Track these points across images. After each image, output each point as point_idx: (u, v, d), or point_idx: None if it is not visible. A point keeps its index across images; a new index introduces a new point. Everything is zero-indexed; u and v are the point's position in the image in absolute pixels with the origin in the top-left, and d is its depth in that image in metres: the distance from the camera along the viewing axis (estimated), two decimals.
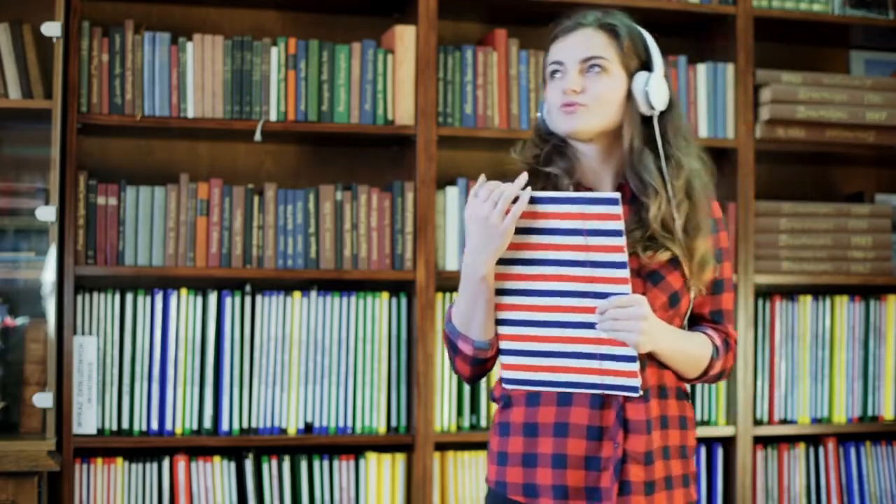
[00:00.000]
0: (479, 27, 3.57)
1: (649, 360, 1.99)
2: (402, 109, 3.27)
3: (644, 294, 1.96)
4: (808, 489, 3.55)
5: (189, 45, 3.17)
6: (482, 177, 1.95)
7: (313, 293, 3.24)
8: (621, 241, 1.87)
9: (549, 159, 2.06)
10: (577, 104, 1.99)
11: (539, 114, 2.12)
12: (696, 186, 2.03)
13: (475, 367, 2.04)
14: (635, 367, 1.93)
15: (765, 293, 3.54)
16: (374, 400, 3.25)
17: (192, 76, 3.16)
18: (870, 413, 3.60)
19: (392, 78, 3.27)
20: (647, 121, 2.03)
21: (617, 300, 1.89)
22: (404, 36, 3.27)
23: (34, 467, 2.84)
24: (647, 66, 2.04)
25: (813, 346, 3.56)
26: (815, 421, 3.55)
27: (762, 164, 3.61)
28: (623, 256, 1.88)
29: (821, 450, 3.57)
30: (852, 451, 3.59)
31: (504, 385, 2.03)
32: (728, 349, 2.10)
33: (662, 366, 2.01)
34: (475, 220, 1.91)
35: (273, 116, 3.21)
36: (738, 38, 3.48)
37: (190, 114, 3.17)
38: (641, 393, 1.94)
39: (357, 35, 3.42)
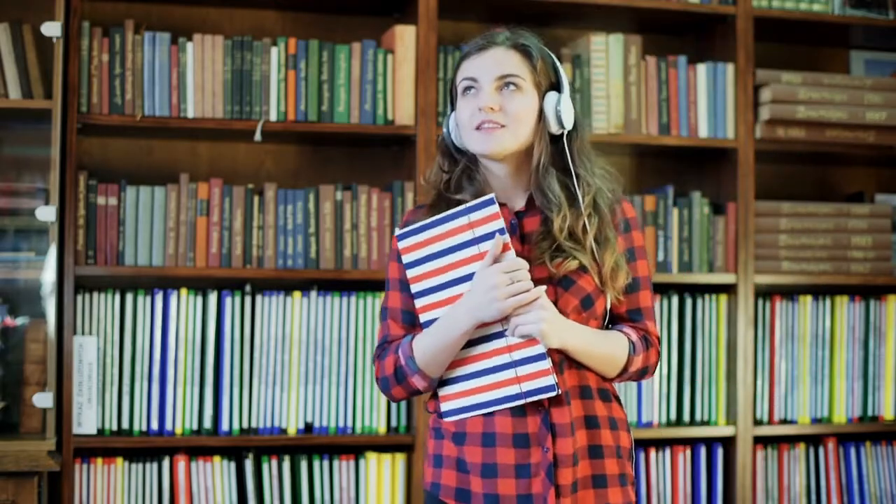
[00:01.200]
0: (479, 27, 3.56)
1: (567, 361, 2.02)
2: (402, 109, 3.27)
3: (556, 300, 2.00)
4: (808, 489, 3.55)
5: (189, 45, 3.17)
6: (510, 249, 1.95)
7: (313, 293, 3.24)
8: (506, 238, 1.94)
9: (458, 184, 2.09)
10: (495, 123, 2.01)
11: (444, 130, 2.12)
12: (600, 202, 2.07)
13: (412, 395, 2.11)
14: (546, 364, 1.95)
15: (765, 293, 3.54)
16: (374, 400, 3.25)
17: (192, 76, 3.16)
18: (870, 413, 3.60)
19: (392, 78, 3.27)
20: (553, 140, 2.06)
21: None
22: (404, 36, 3.27)
23: (34, 467, 2.85)
24: (555, 86, 2.08)
25: (813, 346, 3.56)
26: (815, 421, 3.55)
27: (762, 164, 3.61)
28: (511, 253, 1.94)
29: (821, 450, 3.57)
30: (852, 451, 3.59)
31: (445, 419, 2.06)
32: (648, 346, 2.11)
33: (581, 366, 2.03)
34: (484, 284, 1.93)
35: (273, 116, 3.21)
36: (738, 38, 3.48)
37: (190, 114, 3.17)
38: (559, 391, 1.96)
39: (357, 35, 3.42)
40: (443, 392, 2.07)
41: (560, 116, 2.02)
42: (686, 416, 3.46)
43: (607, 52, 3.41)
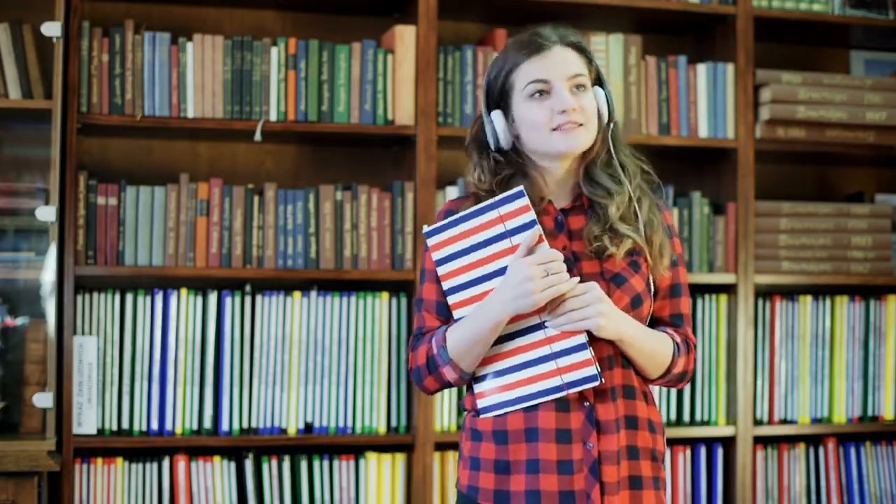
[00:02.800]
0: (479, 27, 3.57)
1: (616, 358, 2.02)
2: (402, 109, 3.27)
3: (608, 295, 2.01)
4: (808, 489, 3.55)
5: (189, 45, 3.17)
6: (544, 241, 1.96)
7: (313, 293, 3.24)
8: (538, 229, 1.95)
9: (510, 184, 2.08)
10: (575, 122, 2.03)
11: (490, 131, 2.09)
12: (644, 186, 2.13)
13: (444, 388, 2.09)
14: (588, 354, 1.95)
15: (765, 293, 3.54)
16: (374, 400, 3.25)
17: (192, 76, 3.16)
18: (870, 413, 3.60)
19: (392, 78, 3.27)
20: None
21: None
22: (404, 36, 3.27)
23: (34, 467, 2.84)
24: (597, 79, 2.12)
25: (813, 346, 3.56)
26: (815, 421, 3.55)
27: (762, 164, 3.61)
28: (545, 244, 1.95)
29: (821, 450, 3.57)
30: (852, 451, 3.59)
31: (482, 415, 2.05)
32: (689, 350, 2.13)
33: (627, 365, 2.04)
34: (519, 276, 1.93)
35: (273, 116, 3.21)
36: (738, 38, 3.48)
37: (190, 114, 3.17)
38: (602, 381, 1.96)
39: (357, 35, 3.42)
40: (479, 388, 2.05)
41: (611, 109, 2.08)
42: (686, 416, 3.46)
43: (607, 52, 3.41)
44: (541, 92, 2.04)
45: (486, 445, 2.04)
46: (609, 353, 2.02)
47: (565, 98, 2.02)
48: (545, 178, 2.09)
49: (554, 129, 2.02)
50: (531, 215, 1.95)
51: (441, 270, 2.03)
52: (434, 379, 2.06)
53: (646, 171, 2.14)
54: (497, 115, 2.08)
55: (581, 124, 2.03)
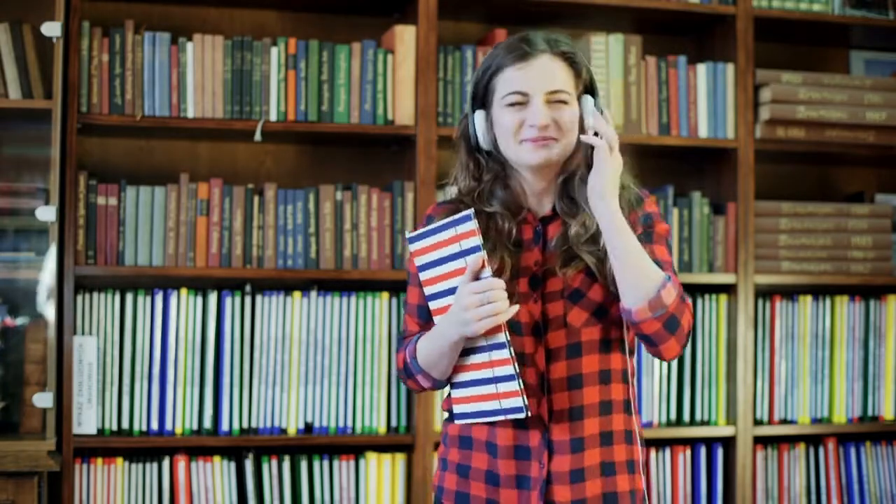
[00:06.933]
0: (479, 27, 3.57)
1: (595, 376, 2.01)
2: (402, 109, 3.27)
3: (565, 314, 1.99)
4: (808, 489, 3.55)
5: (189, 45, 3.17)
6: (486, 267, 1.91)
7: (313, 293, 3.24)
8: (482, 255, 1.90)
9: (490, 194, 2.06)
10: (550, 138, 1.99)
11: (472, 132, 2.08)
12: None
13: (427, 390, 2.10)
14: (516, 386, 1.93)
15: (765, 293, 3.54)
16: (374, 400, 3.25)
17: (192, 76, 3.16)
18: (870, 413, 3.60)
19: (392, 78, 3.27)
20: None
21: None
22: (404, 36, 3.27)
23: (34, 467, 2.84)
24: (588, 88, 2.06)
25: (813, 346, 3.56)
26: (815, 421, 3.55)
27: (762, 164, 3.61)
28: (487, 271, 1.91)
29: (821, 450, 3.57)
30: (852, 451, 3.59)
31: (456, 421, 2.06)
32: (681, 292, 1.97)
33: (605, 381, 2.01)
34: (460, 302, 1.90)
35: (273, 116, 3.21)
36: (738, 38, 3.48)
37: (190, 114, 3.17)
38: (528, 413, 1.93)
39: (357, 35, 3.42)
40: (454, 394, 2.06)
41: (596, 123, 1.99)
42: (686, 416, 3.46)
43: (607, 52, 3.41)
44: (518, 103, 2.00)
45: (452, 449, 2.09)
46: (568, 373, 2.00)
47: (539, 113, 1.98)
48: (524, 186, 2.07)
49: (522, 141, 2.00)
50: (477, 240, 1.91)
51: (422, 276, 2.03)
52: (413, 383, 2.09)
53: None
54: (479, 115, 2.06)
55: (555, 139, 1.99)
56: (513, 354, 1.92)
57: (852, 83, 3.56)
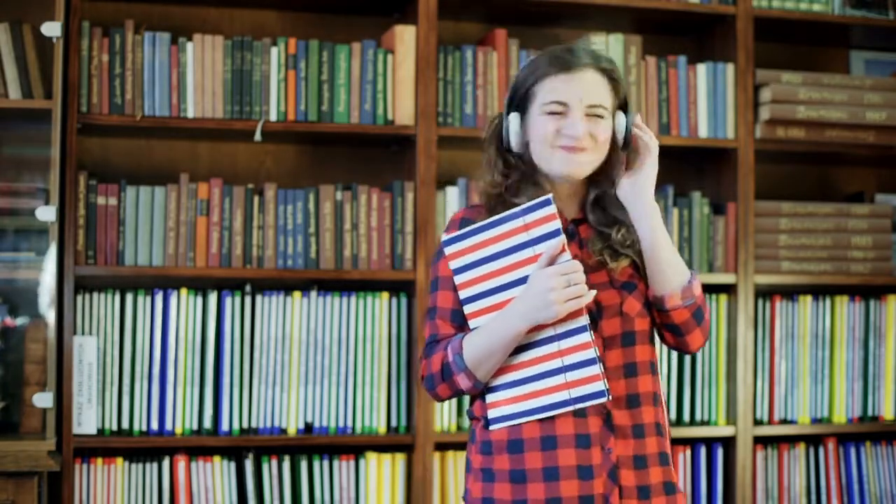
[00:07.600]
0: (479, 27, 3.57)
1: (637, 367, 2.04)
2: (402, 109, 3.27)
3: (621, 303, 2.04)
4: (808, 489, 3.55)
5: (189, 45, 3.17)
6: (567, 251, 1.96)
7: (313, 293, 3.24)
8: (562, 239, 1.95)
9: (518, 189, 2.09)
10: (584, 149, 2.04)
11: (504, 132, 2.11)
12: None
13: (456, 395, 2.08)
14: (597, 369, 1.95)
15: (765, 293, 3.54)
16: (374, 400, 3.25)
17: (192, 76, 3.16)
18: (870, 413, 3.60)
19: (392, 78, 3.27)
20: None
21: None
22: (404, 36, 3.27)
23: (34, 467, 2.84)
24: (623, 105, 2.12)
25: (813, 346, 3.56)
26: (815, 421, 3.55)
27: (762, 164, 3.61)
28: (567, 255, 1.95)
29: (821, 450, 3.57)
30: (852, 451, 3.59)
31: (492, 426, 2.04)
32: (703, 292, 2.12)
33: (640, 372, 2.05)
34: (541, 286, 1.93)
35: (273, 116, 3.21)
36: (738, 38, 3.48)
37: (190, 114, 3.17)
38: (610, 397, 1.96)
39: (357, 35, 3.42)
40: (491, 399, 2.04)
41: (628, 137, 2.08)
42: (686, 416, 3.46)
43: (607, 52, 3.40)
44: (557, 112, 2.04)
45: (499, 457, 2.04)
46: (624, 361, 2.03)
47: (577, 125, 2.03)
48: (554, 189, 2.10)
49: (556, 148, 2.04)
50: (557, 223, 1.94)
51: (459, 279, 2.02)
52: (447, 386, 2.05)
53: None
54: (514, 118, 2.09)
55: (588, 150, 2.04)
56: (593, 337, 1.96)
57: (852, 83, 3.56)
